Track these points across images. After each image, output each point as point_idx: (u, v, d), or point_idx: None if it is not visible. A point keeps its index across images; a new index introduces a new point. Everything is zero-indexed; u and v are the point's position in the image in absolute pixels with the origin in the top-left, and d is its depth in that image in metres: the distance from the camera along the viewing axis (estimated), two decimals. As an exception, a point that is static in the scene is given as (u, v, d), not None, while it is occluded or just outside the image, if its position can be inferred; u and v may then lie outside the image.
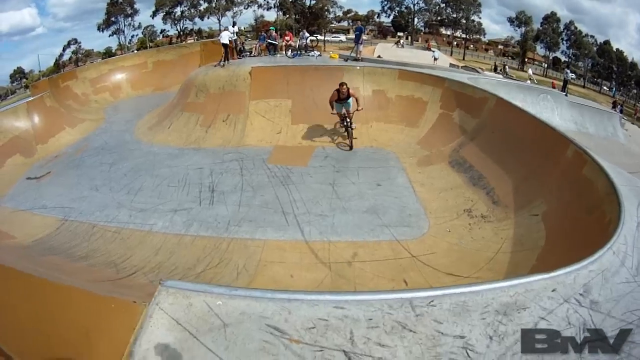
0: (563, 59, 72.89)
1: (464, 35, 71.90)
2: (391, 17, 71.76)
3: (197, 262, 6.29)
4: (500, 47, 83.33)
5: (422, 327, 2.34)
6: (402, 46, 44.98)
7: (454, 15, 69.69)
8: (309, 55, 17.31)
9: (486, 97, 9.79)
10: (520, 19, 72.54)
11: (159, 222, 7.61)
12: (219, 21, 59.74)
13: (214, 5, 59.47)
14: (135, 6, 56.25)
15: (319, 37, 22.20)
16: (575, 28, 71.09)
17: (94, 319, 2.41)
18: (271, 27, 23.00)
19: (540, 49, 73.94)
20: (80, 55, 51.29)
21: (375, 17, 72.79)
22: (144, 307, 2.49)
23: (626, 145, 14.39)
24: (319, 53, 18.34)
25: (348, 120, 10.54)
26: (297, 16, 63.42)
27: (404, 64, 14.96)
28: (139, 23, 56.20)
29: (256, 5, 62.95)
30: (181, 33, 58.14)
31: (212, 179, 9.21)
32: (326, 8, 65.31)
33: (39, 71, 45.44)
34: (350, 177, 8.75)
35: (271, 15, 64.40)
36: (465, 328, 2.34)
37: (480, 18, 70.80)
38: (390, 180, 8.62)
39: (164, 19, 58.19)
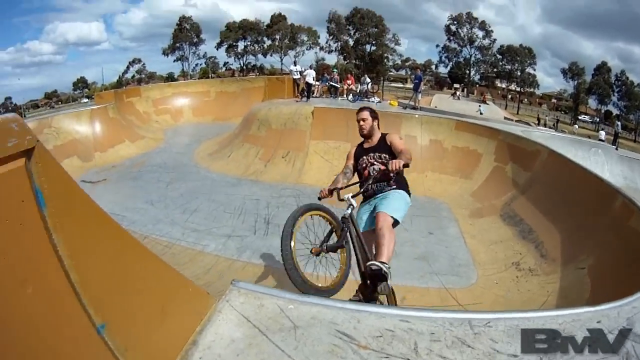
0: (615, 111, 70.58)
1: (518, 89, 71.51)
2: (448, 67, 72.28)
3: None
4: (553, 100, 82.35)
5: (480, 344, 2.39)
6: (459, 98, 45.19)
7: (509, 67, 69.29)
8: (369, 100, 17.37)
9: (539, 149, 9.59)
10: (572, 71, 70.88)
11: (212, 244, 7.54)
12: (281, 59, 61.91)
13: (277, 43, 61.37)
14: (201, 36, 58.57)
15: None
16: (627, 78, 69.17)
17: (170, 296, 2.37)
18: (333, 70, 23.49)
19: (592, 102, 72.13)
20: (143, 76, 53.38)
21: (433, 67, 73.62)
22: (215, 301, 2.52)
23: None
24: (379, 99, 18.78)
25: None
26: (357, 61, 64.29)
27: (461, 115, 14.88)
28: (204, 53, 58.85)
29: (318, 47, 65.05)
30: (244, 67, 59.82)
31: (268, 211, 9.12)
32: (386, 55, 66.25)
33: (102, 84, 47.40)
34: (403, 224, 8.40)
35: (332, 58, 65.90)
36: (517, 348, 2.37)
37: (534, 70, 70.04)
38: (442, 230, 8.50)
39: (228, 52, 60.30)
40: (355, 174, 4.43)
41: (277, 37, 61.09)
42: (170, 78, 51.01)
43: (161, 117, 18.56)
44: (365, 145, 4.39)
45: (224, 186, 10.65)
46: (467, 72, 70.38)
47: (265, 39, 61.49)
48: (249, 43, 61.36)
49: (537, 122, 39.71)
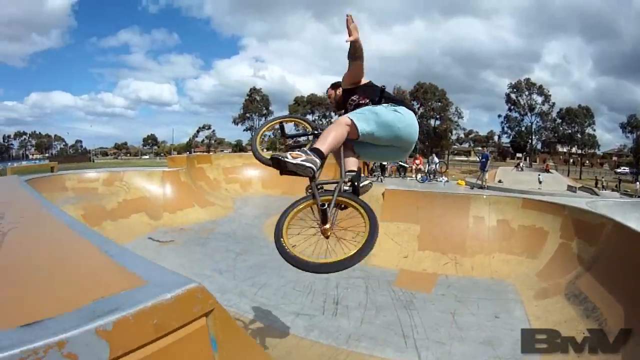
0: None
1: (579, 151, 70.30)
2: (510, 137, 71.31)
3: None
4: (614, 158, 77.90)
5: None
6: (522, 169, 44.15)
7: (569, 131, 68.47)
8: (437, 180, 17.92)
9: (603, 222, 8.79)
10: (632, 124, 69.55)
11: (280, 319, 7.41)
12: None
13: None
14: (270, 107, 60.91)
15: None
16: None
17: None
18: None
19: None
20: (213, 142, 55.82)
21: (495, 137, 72.61)
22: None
23: None
24: (447, 179, 19.36)
25: None
26: (422, 136, 65.57)
27: (527, 192, 15.17)
28: None
29: None
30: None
31: (337, 291, 8.82)
32: (450, 129, 66.41)
33: (171, 144, 49.89)
34: (470, 308, 8.27)
35: None
36: None
37: (594, 130, 69.28)
38: (508, 313, 8.00)
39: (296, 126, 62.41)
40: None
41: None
42: (238, 146, 53.17)
43: (230, 185, 19.06)
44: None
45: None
46: (530, 140, 69.47)
47: (332, 114, 63.15)
48: (317, 117, 63.02)
49: (595, 185, 37.91)
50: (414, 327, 7.38)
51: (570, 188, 25.98)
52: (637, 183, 32.22)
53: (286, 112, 61.89)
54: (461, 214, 10.97)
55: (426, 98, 67.14)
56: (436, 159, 19.79)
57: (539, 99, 69.56)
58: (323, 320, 7.48)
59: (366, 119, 3.65)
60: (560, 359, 2.33)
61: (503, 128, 73.87)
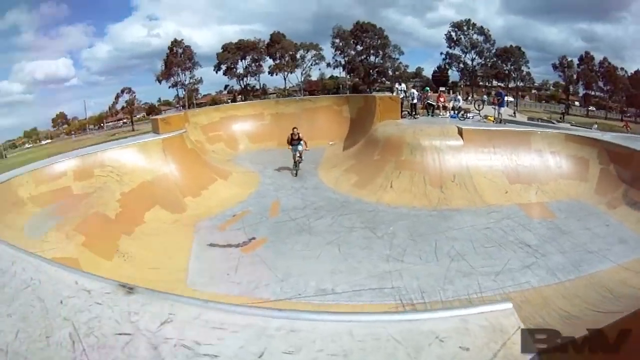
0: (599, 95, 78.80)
1: (512, 85, 77.16)
2: (456, 73, 76.11)
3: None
4: (534, 92, 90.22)
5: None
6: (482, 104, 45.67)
7: (506, 68, 73.43)
8: (466, 116, 17.47)
9: (631, 152, 11.46)
10: (563, 64, 75.78)
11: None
12: (285, 79, 59.99)
13: (282, 62, 59.45)
14: (194, 60, 55.34)
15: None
16: (609, 64, 74.57)
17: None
18: (425, 88, 24.06)
19: (579, 88, 78.18)
20: (137, 105, 50.51)
21: (423, 73, 77.12)
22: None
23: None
24: (473, 115, 18.64)
25: (299, 158, 13.27)
26: (361, 75, 66.03)
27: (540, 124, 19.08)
28: (200, 77, 55.48)
29: (324, 62, 64.32)
30: (245, 89, 57.37)
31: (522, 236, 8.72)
32: (388, 66, 67.53)
33: (85, 118, 44.24)
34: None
35: (337, 74, 67.85)
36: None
37: (528, 68, 74.88)
38: (604, 221, 9.99)
39: (227, 74, 57.45)
40: None
41: (278, 55, 59.40)
42: (168, 103, 48.61)
43: (215, 145, 15.54)
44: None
45: (440, 221, 9.29)
46: (472, 74, 74.35)
47: (267, 57, 59.43)
48: (249, 63, 58.76)
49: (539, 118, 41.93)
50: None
51: (530, 119, 29.32)
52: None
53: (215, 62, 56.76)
54: (530, 147, 12.54)
55: (366, 36, 67.16)
56: (459, 97, 18.98)
57: (480, 38, 73.68)
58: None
59: None
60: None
61: (447, 63, 77.72)
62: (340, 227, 8.53)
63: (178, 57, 53.50)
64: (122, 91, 49.98)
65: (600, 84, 78.29)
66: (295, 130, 13.24)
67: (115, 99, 49.31)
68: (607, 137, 14.07)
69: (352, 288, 6.16)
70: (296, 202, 10.33)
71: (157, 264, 7.08)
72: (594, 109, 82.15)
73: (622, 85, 77.04)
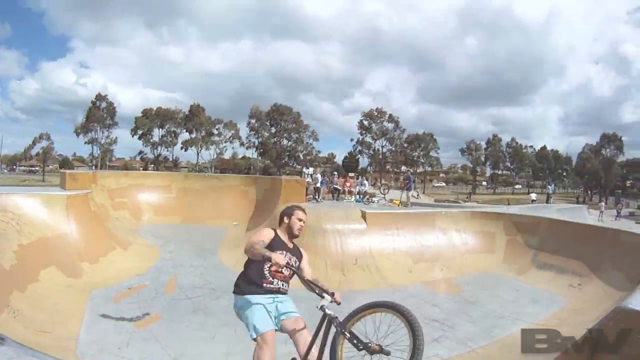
0: (506, 173, 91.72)
1: (420, 170, 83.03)
2: (366, 159, 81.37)
3: None
4: (442, 175, 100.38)
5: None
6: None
7: (415, 153, 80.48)
8: (371, 200, 18.79)
9: (539, 220, 13.14)
10: (470, 148, 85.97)
11: None
12: (198, 154, 59.16)
13: (198, 136, 58.69)
14: (115, 119, 53.40)
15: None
16: (517, 143, 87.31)
17: None
18: (334, 172, 25.28)
19: (486, 169, 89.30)
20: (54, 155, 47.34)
21: (335, 159, 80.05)
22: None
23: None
24: (378, 199, 19.84)
25: None
26: (273, 158, 66.49)
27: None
28: (115, 137, 53.54)
29: (238, 142, 64.51)
30: (158, 158, 55.46)
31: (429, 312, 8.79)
32: (298, 150, 69.10)
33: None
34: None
35: (250, 154, 68.38)
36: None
37: (437, 153, 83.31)
38: (516, 286, 10.65)
39: (142, 139, 55.62)
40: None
41: (195, 129, 58.85)
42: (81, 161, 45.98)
43: (119, 212, 14.86)
44: (285, 240, 4.17)
45: (342, 302, 8.63)
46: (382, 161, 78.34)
47: (184, 131, 58.69)
48: (165, 133, 57.47)
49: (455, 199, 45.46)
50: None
51: (437, 201, 31.77)
52: (533, 195, 41.38)
53: (132, 126, 54.97)
54: (434, 229, 13.17)
55: (282, 119, 68.96)
56: (365, 182, 20.71)
57: (391, 126, 78.66)
58: None
59: None
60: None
61: (358, 150, 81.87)
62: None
63: (100, 112, 51.98)
64: (41, 137, 47.49)
65: (507, 163, 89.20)
66: None
67: (33, 143, 46.64)
68: (513, 209, 16.02)
69: (247, 371, 5.80)
70: (194, 280, 10.05)
71: (49, 327, 6.53)
72: (503, 186, 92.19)
73: (528, 161, 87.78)
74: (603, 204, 43.16)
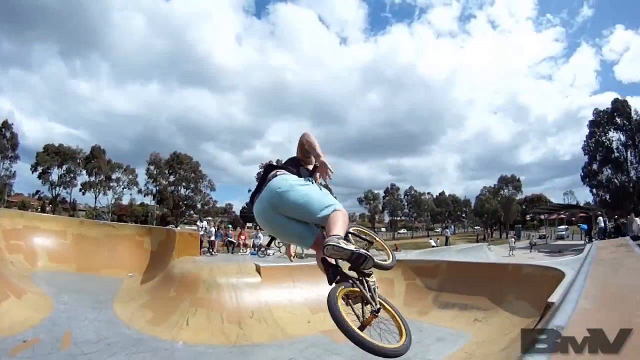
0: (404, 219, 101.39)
1: None
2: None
3: None
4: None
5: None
6: None
7: None
8: (265, 254, 19.52)
9: (437, 264, 14.26)
10: (368, 197, 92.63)
11: None
12: (96, 198, 56.19)
13: (94, 179, 55.88)
14: (17, 150, 49.52)
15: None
16: (415, 191, 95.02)
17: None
18: (228, 225, 27.06)
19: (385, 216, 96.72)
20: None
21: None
22: None
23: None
24: (274, 251, 20.65)
25: None
26: (170, 206, 64.79)
27: None
28: (14, 171, 49.47)
29: (136, 188, 62.13)
30: (55, 199, 52.00)
31: None
32: (199, 199, 68.13)
33: None
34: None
35: (147, 201, 68.96)
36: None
37: None
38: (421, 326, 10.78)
39: (40, 177, 51.80)
40: None
41: (94, 172, 56.23)
42: None
43: (14, 256, 14.27)
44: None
45: (240, 356, 9.50)
46: None
47: (84, 173, 55.81)
48: (64, 173, 54.34)
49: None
50: None
51: None
52: (432, 241, 47.63)
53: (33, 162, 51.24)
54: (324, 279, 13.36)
55: (180, 168, 68.01)
56: (260, 234, 20.76)
57: None
58: None
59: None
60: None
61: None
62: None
63: (4, 141, 48.36)
64: None
65: (406, 209, 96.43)
66: None
67: None
68: (411, 255, 17.16)
69: None
70: (89, 335, 9.71)
71: None
72: (404, 231, 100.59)
73: (427, 207, 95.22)
74: (513, 239, 46.35)
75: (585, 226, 36.75)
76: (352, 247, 3.31)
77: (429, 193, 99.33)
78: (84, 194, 58.19)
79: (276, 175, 3.78)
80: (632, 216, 23.38)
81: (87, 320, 10.67)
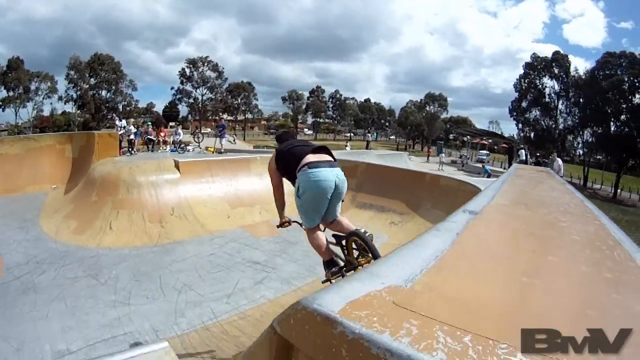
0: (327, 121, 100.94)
1: (241, 118, 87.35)
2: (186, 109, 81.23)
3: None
4: (263, 122, 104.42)
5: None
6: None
7: (236, 101, 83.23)
8: (186, 149, 19.82)
9: (357, 164, 14.40)
10: (292, 97, 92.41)
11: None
12: (16, 113, 52.49)
13: (14, 94, 51.60)
14: None
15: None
16: (340, 95, 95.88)
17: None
18: (148, 123, 24.57)
19: (308, 118, 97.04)
20: None
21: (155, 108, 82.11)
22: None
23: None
24: (193, 147, 21.01)
25: None
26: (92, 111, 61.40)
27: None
28: None
29: (56, 96, 58.35)
30: None
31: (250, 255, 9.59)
32: (120, 100, 65.17)
33: None
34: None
35: (68, 108, 64.84)
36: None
37: (257, 101, 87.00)
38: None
39: None
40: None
41: (13, 84, 51.65)
42: None
43: None
44: None
45: (161, 257, 9.62)
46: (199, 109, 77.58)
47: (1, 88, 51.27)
48: None
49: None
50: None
51: (256, 147, 35.66)
52: (348, 146, 46.50)
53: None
54: (252, 173, 13.79)
55: (102, 69, 63.11)
56: (180, 131, 20.88)
57: (214, 74, 79.45)
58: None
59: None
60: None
61: (178, 99, 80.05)
62: (63, 280, 8.23)
63: None
64: None
65: (330, 112, 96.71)
66: None
67: None
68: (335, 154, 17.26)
69: (86, 343, 5.99)
70: (19, 257, 9.50)
71: None
72: (325, 133, 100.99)
73: (352, 111, 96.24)
74: (443, 154, 48.25)
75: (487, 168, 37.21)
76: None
77: (353, 98, 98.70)
78: (3, 110, 54.35)
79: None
80: (555, 155, 22.87)
81: (15, 242, 10.47)
